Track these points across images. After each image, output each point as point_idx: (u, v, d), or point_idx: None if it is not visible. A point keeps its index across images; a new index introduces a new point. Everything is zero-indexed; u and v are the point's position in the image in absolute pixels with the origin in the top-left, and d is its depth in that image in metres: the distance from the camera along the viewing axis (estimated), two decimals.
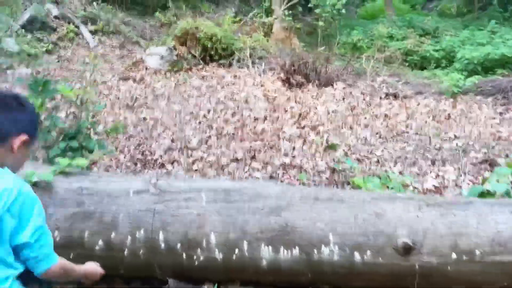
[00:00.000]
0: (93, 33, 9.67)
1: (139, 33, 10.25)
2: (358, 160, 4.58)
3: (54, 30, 9.29)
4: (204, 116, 6.24)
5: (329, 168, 4.37)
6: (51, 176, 2.33)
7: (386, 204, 2.34)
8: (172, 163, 4.71)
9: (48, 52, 8.66)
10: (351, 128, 5.57)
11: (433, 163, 4.47)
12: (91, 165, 3.24)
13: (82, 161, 2.45)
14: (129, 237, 2.30)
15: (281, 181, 4.07)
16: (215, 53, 8.49)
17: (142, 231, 2.29)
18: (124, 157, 4.91)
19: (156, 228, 2.29)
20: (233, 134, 5.47)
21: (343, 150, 4.83)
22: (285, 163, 4.47)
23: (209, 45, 8.37)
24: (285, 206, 2.33)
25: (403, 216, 2.28)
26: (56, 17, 9.63)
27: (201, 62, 8.44)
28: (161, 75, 8.13)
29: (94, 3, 10.76)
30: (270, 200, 2.34)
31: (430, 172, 4.24)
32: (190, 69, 8.32)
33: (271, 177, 4.16)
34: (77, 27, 9.56)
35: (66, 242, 2.25)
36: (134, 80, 7.86)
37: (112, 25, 10.02)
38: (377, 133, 5.35)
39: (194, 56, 8.44)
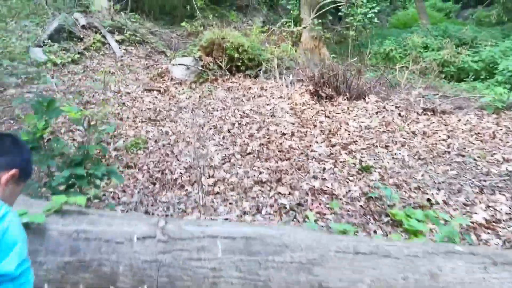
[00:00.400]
0: (120, 42, 9.47)
1: (166, 43, 10.00)
2: (396, 185, 4.08)
3: (81, 39, 9.12)
4: (229, 130, 5.85)
5: (363, 194, 3.89)
6: (43, 217, 1.96)
7: (443, 261, 1.87)
8: (192, 184, 4.32)
9: (74, 62, 8.48)
10: (386, 147, 5.06)
11: (481, 190, 3.93)
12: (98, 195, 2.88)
13: (80, 199, 2.07)
14: None
15: (310, 210, 3.62)
16: (241, 64, 8.11)
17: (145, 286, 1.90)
18: (143, 176, 4.56)
19: (162, 284, 1.88)
20: (258, 151, 5.06)
21: (379, 173, 4.34)
22: (314, 187, 4.01)
23: (235, 56, 8.00)
24: (318, 260, 1.88)
25: (465, 278, 1.81)
26: (83, 26, 9.48)
27: (227, 73, 8.08)
28: (186, 86, 7.81)
29: (122, 13, 10.58)
30: (300, 253, 1.91)
31: (479, 202, 3.70)
32: (216, 80, 7.96)
33: (298, 204, 3.71)
34: (104, 36, 9.37)
35: None
36: (159, 91, 7.56)
37: (139, 35, 9.81)
38: (415, 154, 4.83)
39: (220, 67, 8.09)
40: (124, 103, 6.90)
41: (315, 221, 3.46)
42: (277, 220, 3.43)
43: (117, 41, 9.41)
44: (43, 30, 9.38)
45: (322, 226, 3.35)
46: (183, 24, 10.48)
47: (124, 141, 5.49)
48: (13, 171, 1.52)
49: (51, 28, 9.01)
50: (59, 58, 8.30)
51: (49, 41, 8.72)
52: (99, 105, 5.89)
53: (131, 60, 9.04)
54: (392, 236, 3.10)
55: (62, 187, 2.71)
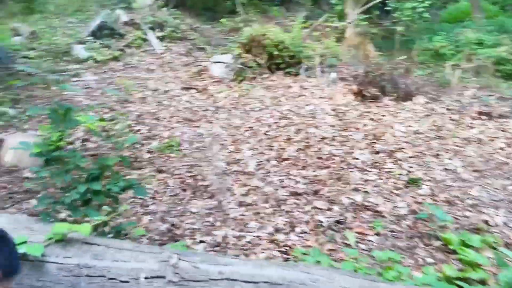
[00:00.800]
0: (161, 39, 9.32)
1: (207, 40, 9.76)
2: (448, 202, 3.61)
3: (122, 36, 9.03)
4: (265, 133, 5.52)
5: (411, 212, 3.46)
6: (41, 249, 1.71)
7: None
8: (224, 193, 4.03)
9: (115, 58, 8.40)
10: (437, 155, 4.56)
11: None
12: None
13: (85, 228, 1.81)
14: None
15: (350, 229, 3.23)
16: (281, 61, 7.72)
17: None
18: (174, 182, 4.32)
19: None
20: (295, 157, 4.70)
21: (428, 186, 3.88)
22: (355, 202, 3.62)
23: (275, 53, 7.63)
24: None
25: None
26: (125, 23, 9.40)
27: (266, 71, 7.72)
28: (224, 85, 7.53)
29: (164, 9, 10.44)
30: None
31: None
32: (255, 78, 7.63)
33: (337, 222, 3.33)
34: (145, 33, 9.26)
35: None
36: (197, 90, 7.32)
37: (179, 31, 9.63)
38: (469, 165, 4.31)
39: (260, 65, 7.75)
40: (161, 102, 6.72)
41: (356, 242, 3.07)
42: (313, 241, 3.07)
43: (158, 37, 9.27)
44: (86, 27, 9.38)
45: (363, 251, 2.97)
46: (222, 20, 10.21)
47: (158, 142, 5.29)
48: None
49: (94, 25, 8.98)
50: (100, 55, 8.24)
51: (91, 38, 8.69)
52: (119, 116, 5.72)
53: (171, 57, 8.86)
54: (444, 268, 2.67)
55: (78, 203, 2.48)
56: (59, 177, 2.39)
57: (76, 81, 7.43)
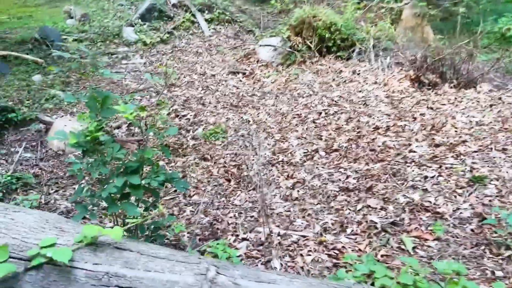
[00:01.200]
0: (209, 21, 9.14)
1: (255, 22, 9.48)
2: None
3: (171, 19, 8.93)
4: (314, 121, 5.22)
5: (476, 215, 3.09)
6: (69, 255, 1.56)
7: None
8: (269, 184, 3.81)
9: (163, 41, 8.32)
10: (504, 150, 4.10)
11: None
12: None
13: (116, 232, 1.63)
14: None
15: (406, 232, 2.92)
16: (332, 45, 7.33)
17: None
18: (218, 171, 4.15)
19: None
20: (346, 148, 4.38)
21: (495, 186, 3.47)
22: (413, 201, 3.28)
23: (326, 36, 7.24)
24: None
25: None
26: (174, 5, 9.29)
27: (316, 54, 7.36)
28: (272, 69, 7.26)
29: None
30: None
31: None
32: (304, 62, 7.29)
33: (392, 223, 3.02)
34: (193, 15, 9.11)
35: None
36: (244, 74, 7.10)
37: (228, 13, 9.40)
38: None
39: (309, 48, 7.39)
40: (208, 87, 6.56)
41: (413, 248, 2.76)
42: (366, 244, 2.79)
43: (206, 20, 9.10)
44: (136, 9, 9.35)
45: (422, 258, 2.65)
46: (272, 2, 9.86)
47: (203, 129, 5.13)
48: None
49: (143, 8, 8.92)
50: (149, 38, 8.18)
51: (140, 20, 8.65)
52: (160, 105, 5.57)
53: (219, 40, 8.67)
54: None
55: (115, 197, 2.34)
56: (96, 169, 2.25)
57: (125, 63, 7.42)
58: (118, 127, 5.11)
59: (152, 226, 2.50)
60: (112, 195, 2.29)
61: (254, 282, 1.50)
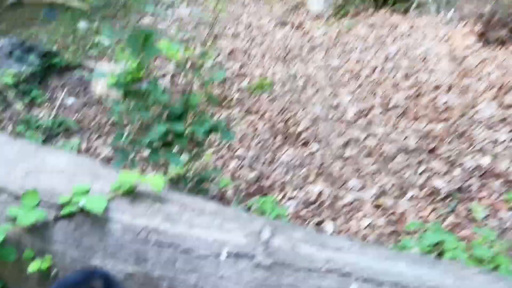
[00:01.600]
0: None
1: None
2: None
3: None
4: (367, 77, 4.81)
5: None
6: (104, 204, 1.35)
7: None
8: (319, 141, 3.52)
9: None
10: None
11: None
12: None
13: (157, 181, 1.41)
14: None
15: (475, 200, 2.58)
16: None
17: None
18: (264, 125, 3.88)
19: None
20: (404, 106, 3.99)
21: None
22: (481, 166, 2.91)
23: None
24: None
25: None
26: None
27: (371, 6, 6.78)
28: (323, 21, 6.76)
29: None
30: None
31: None
32: (357, 14, 6.74)
33: (459, 189, 2.68)
34: None
35: None
36: (292, 26, 6.66)
37: None
38: None
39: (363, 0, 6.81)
40: (254, 39, 6.20)
41: (484, 218, 2.43)
42: (430, 211, 2.48)
43: None
44: None
45: (495, 230, 2.32)
46: None
47: (249, 82, 4.84)
48: None
49: None
50: None
51: None
52: (206, 47, 5.27)
53: None
54: None
55: (157, 145, 2.12)
56: (137, 113, 2.03)
57: (170, 12, 7.14)
58: (163, 76, 4.91)
59: (196, 179, 2.29)
60: (153, 143, 2.08)
61: (317, 248, 1.25)
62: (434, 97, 4.13)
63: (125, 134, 2.15)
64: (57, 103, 3.83)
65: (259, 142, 3.59)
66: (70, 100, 3.96)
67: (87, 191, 1.42)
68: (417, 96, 4.19)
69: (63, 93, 3.98)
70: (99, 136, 3.52)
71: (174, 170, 1.83)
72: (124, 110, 2.03)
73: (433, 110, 3.86)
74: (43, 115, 3.58)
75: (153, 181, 1.41)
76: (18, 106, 3.31)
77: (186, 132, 2.10)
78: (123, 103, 2.08)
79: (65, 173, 1.50)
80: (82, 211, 1.38)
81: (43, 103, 3.85)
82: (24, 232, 1.40)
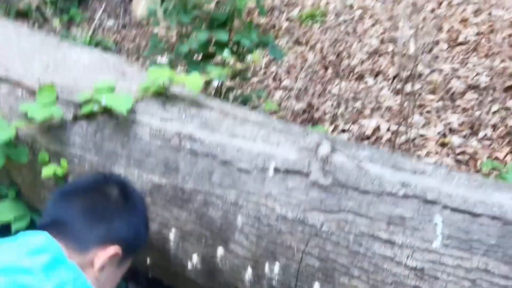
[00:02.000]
0: None
1: None
2: None
3: None
4: (432, 10, 4.27)
5: None
6: (127, 104, 1.11)
7: None
8: (375, 76, 3.15)
9: None
10: None
11: None
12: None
13: (194, 81, 1.15)
14: (249, 268, 1.02)
15: None
16: None
17: (277, 265, 0.99)
18: (314, 57, 3.54)
19: (310, 268, 0.95)
20: (475, 42, 3.50)
21: None
22: None
23: None
24: None
25: None
26: None
27: None
28: None
29: None
30: None
31: None
32: None
33: None
34: None
35: None
36: None
37: None
38: None
39: None
40: None
41: None
42: (505, 153, 2.12)
43: None
44: None
45: None
46: None
47: (299, 11, 4.43)
48: (114, 249, 0.87)
49: None
50: None
51: None
52: None
53: None
54: None
55: (197, 55, 1.86)
56: (175, 16, 1.75)
57: None
58: None
59: (239, 99, 2.03)
60: (193, 53, 1.82)
61: (391, 170, 0.96)
62: (510, 34, 3.60)
63: (161, 42, 1.89)
64: (96, 23, 3.62)
65: (308, 74, 3.27)
66: (110, 22, 3.75)
67: (112, 89, 1.18)
68: (490, 32, 3.67)
69: (103, 14, 3.76)
70: (137, 58, 3.31)
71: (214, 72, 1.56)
72: (161, 11, 1.76)
73: (509, 47, 3.36)
74: (81, 34, 3.39)
75: (189, 80, 1.16)
76: (56, 23, 3.12)
77: (230, 42, 1.82)
78: (161, 5, 1.80)
79: (87, 69, 1.28)
80: (104, 111, 1.16)
81: (82, 23, 3.66)
82: (38, 132, 1.20)
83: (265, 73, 3.25)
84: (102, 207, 0.87)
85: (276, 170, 1.01)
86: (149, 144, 1.12)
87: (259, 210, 0.99)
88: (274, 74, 3.21)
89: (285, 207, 0.97)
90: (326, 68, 3.36)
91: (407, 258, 0.87)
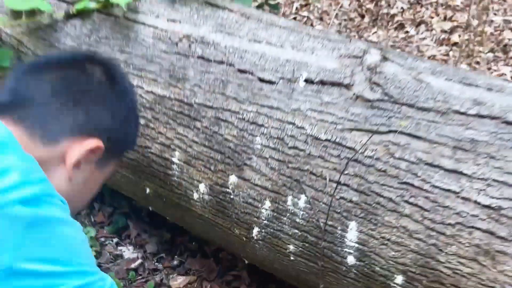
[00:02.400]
0: None
1: None
2: None
3: None
4: None
5: None
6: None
7: None
8: (417, 25, 2.84)
9: None
10: None
11: None
12: None
13: None
14: (267, 201, 0.82)
15: None
16: None
17: (303, 198, 0.78)
18: (349, 4, 3.23)
19: (344, 210, 0.74)
20: None
21: None
22: None
23: None
24: None
25: None
26: None
27: None
28: None
29: None
30: None
31: None
32: None
33: None
34: None
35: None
36: None
37: None
38: None
39: None
40: None
41: None
42: None
43: None
44: None
45: None
46: None
47: None
48: (94, 142, 0.62)
49: None
50: None
51: None
52: None
53: None
54: None
55: None
56: None
57: None
58: None
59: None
60: None
61: (458, 84, 0.73)
62: None
63: None
64: None
65: (342, 21, 2.98)
66: None
67: None
68: None
69: None
70: None
71: None
72: None
73: None
74: None
75: None
76: None
77: None
78: None
79: None
80: (103, 7, 0.95)
81: None
82: (25, 34, 1.01)
83: (295, 18, 2.98)
84: (80, 87, 0.63)
85: (308, 81, 0.79)
86: (152, 48, 0.91)
87: (284, 129, 0.78)
88: (305, 19, 2.94)
89: (317, 126, 0.76)
90: (362, 16, 3.06)
91: (479, 193, 0.65)
